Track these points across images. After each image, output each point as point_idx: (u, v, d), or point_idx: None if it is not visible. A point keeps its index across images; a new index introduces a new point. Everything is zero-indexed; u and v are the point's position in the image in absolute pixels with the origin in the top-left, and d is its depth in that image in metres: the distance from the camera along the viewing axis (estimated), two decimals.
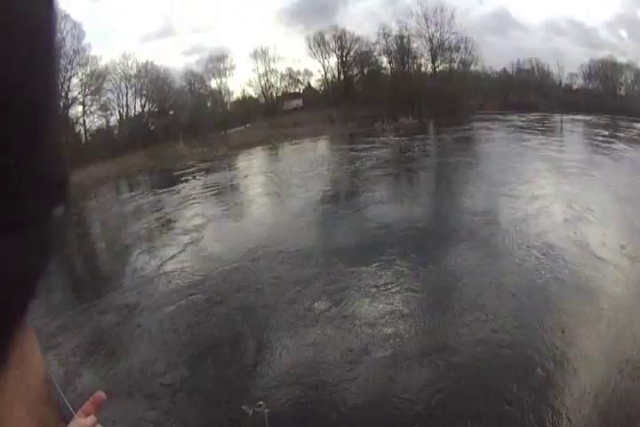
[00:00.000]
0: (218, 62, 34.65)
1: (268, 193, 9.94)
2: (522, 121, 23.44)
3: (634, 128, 17.02)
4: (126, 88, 31.55)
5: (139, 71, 31.85)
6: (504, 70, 39.57)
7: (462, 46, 31.04)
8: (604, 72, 40.90)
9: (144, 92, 32.21)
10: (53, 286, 5.74)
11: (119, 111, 31.93)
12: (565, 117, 26.15)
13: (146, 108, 32.78)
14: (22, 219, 0.16)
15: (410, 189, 9.75)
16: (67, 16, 28.13)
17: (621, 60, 42.56)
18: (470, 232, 6.36)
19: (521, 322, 4.22)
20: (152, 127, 31.70)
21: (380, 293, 4.95)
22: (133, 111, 32.70)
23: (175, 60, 73.76)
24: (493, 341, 3.99)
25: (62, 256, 6.84)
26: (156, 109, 32.78)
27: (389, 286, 5.05)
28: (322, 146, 18.67)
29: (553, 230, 6.27)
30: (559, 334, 3.99)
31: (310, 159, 14.03)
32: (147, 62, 32.24)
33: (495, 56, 40.83)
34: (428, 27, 30.44)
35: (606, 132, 15.92)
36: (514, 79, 38.12)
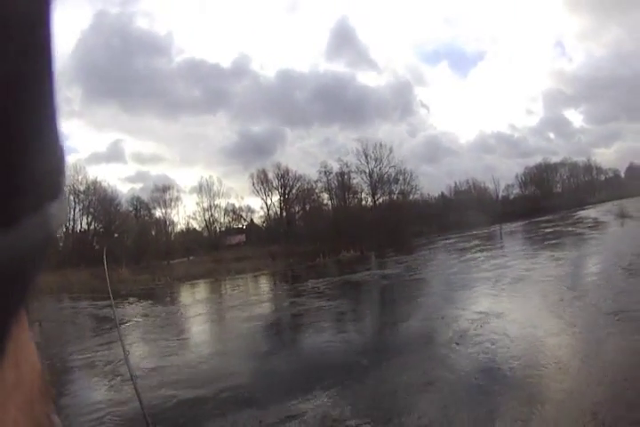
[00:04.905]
0: (163, 193, 35.49)
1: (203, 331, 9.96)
2: (445, 240, 25.51)
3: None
4: (74, 202, 32.03)
5: (87, 188, 33.55)
6: (442, 194, 43.42)
7: (401, 178, 34.59)
8: (540, 176, 45.67)
9: (91, 210, 32.95)
10: None
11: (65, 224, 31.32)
12: (504, 228, 28.30)
13: (92, 227, 32.98)
14: (19, 214, 0.15)
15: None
16: None
17: (555, 159, 46.49)
18: None
19: None
20: (96, 246, 31.41)
21: None
22: (79, 227, 32.77)
23: (121, 184, 72.06)
24: None
25: None
26: (102, 229, 33.01)
27: None
28: (261, 282, 19.37)
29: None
30: None
31: (250, 293, 15.07)
32: (96, 181, 33.92)
33: (433, 183, 43.08)
34: (367, 162, 34.29)
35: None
36: (452, 201, 41.75)
